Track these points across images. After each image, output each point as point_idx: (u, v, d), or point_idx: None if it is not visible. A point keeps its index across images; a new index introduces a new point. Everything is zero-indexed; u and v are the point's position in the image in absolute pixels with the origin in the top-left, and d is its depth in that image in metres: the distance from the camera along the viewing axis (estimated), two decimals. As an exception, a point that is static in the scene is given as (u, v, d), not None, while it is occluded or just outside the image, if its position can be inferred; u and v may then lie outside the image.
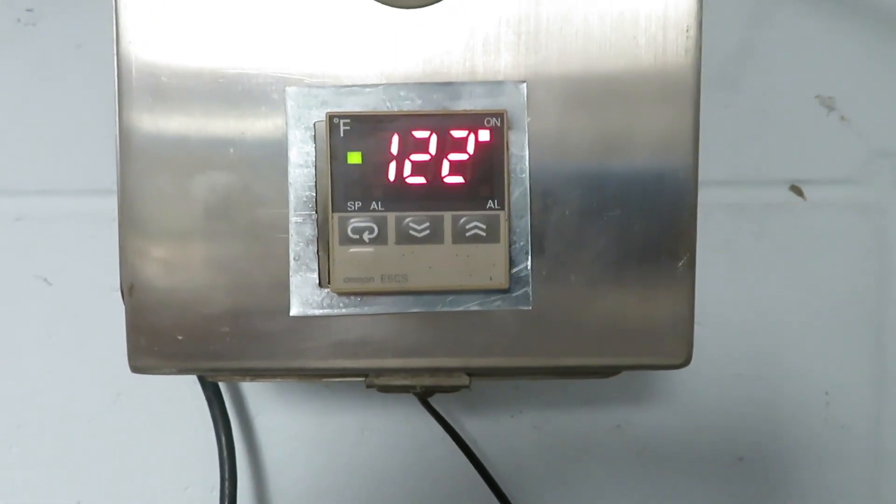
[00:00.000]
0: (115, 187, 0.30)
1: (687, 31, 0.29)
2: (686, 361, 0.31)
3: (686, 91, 0.30)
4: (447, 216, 0.29)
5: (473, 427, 0.46)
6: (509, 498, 0.44)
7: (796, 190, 0.46)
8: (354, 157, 0.29)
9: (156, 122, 0.29)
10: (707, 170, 0.32)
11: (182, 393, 0.44)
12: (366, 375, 0.31)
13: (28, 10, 0.45)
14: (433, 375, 0.31)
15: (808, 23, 0.45)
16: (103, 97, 0.39)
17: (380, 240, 0.29)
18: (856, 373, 0.46)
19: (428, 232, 0.29)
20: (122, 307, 0.30)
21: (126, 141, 0.30)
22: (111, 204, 0.30)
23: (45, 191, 0.45)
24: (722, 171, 0.45)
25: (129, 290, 0.30)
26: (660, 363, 0.31)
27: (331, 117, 0.29)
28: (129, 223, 0.30)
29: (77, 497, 0.45)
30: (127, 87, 0.29)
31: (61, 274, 0.45)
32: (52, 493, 0.45)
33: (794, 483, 0.46)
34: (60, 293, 0.45)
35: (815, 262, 0.46)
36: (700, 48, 0.30)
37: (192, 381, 0.43)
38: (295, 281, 0.30)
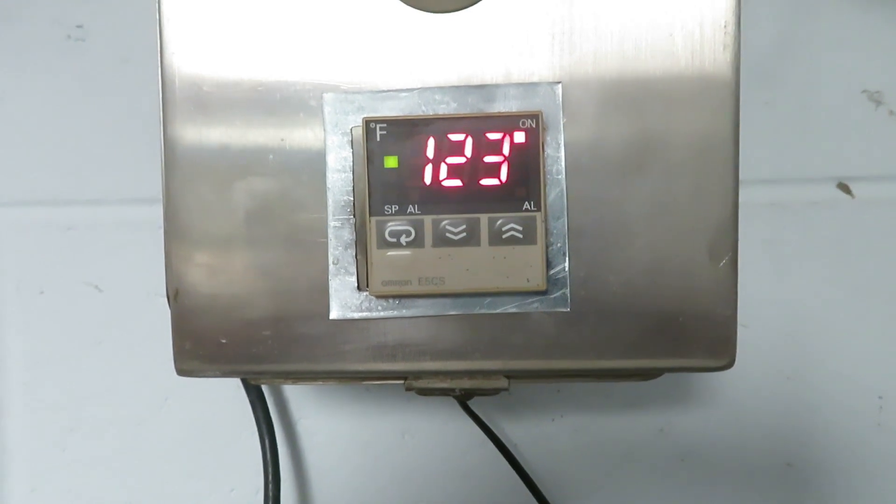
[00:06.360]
0: (160, 196, 0.31)
1: (725, 26, 0.29)
2: (730, 363, 0.30)
3: (725, 88, 0.29)
4: (483, 218, 0.29)
5: (514, 431, 0.46)
6: (551, 503, 0.44)
7: (843, 187, 0.45)
8: (391, 161, 0.29)
9: (198, 132, 0.30)
10: (750, 168, 0.31)
11: (227, 397, 0.45)
12: (405, 378, 0.32)
13: (78, 27, 0.46)
14: (472, 378, 0.31)
15: (853, 14, 0.44)
16: (149, 109, 0.40)
17: (417, 243, 0.29)
18: (910, 376, 0.45)
19: (464, 234, 0.29)
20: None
21: (170, 150, 0.30)
22: (157, 212, 0.31)
23: (94, 200, 0.46)
24: (765, 169, 0.44)
25: (175, 295, 0.31)
26: (703, 365, 0.30)
27: (367, 122, 0.29)
28: (175, 230, 0.30)
29: (126, 498, 0.46)
30: (171, 97, 0.30)
31: (111, 281, 0.46)
32: (101, 495, 0.46)
33: (845, 490, 0.45)
34: (110, 300, 0.46)
35: (865, 261, 0.44)
36: (739, 44, 0.29)
37: (236, 385, 0.44)
38: (334, 285, 0.30)
